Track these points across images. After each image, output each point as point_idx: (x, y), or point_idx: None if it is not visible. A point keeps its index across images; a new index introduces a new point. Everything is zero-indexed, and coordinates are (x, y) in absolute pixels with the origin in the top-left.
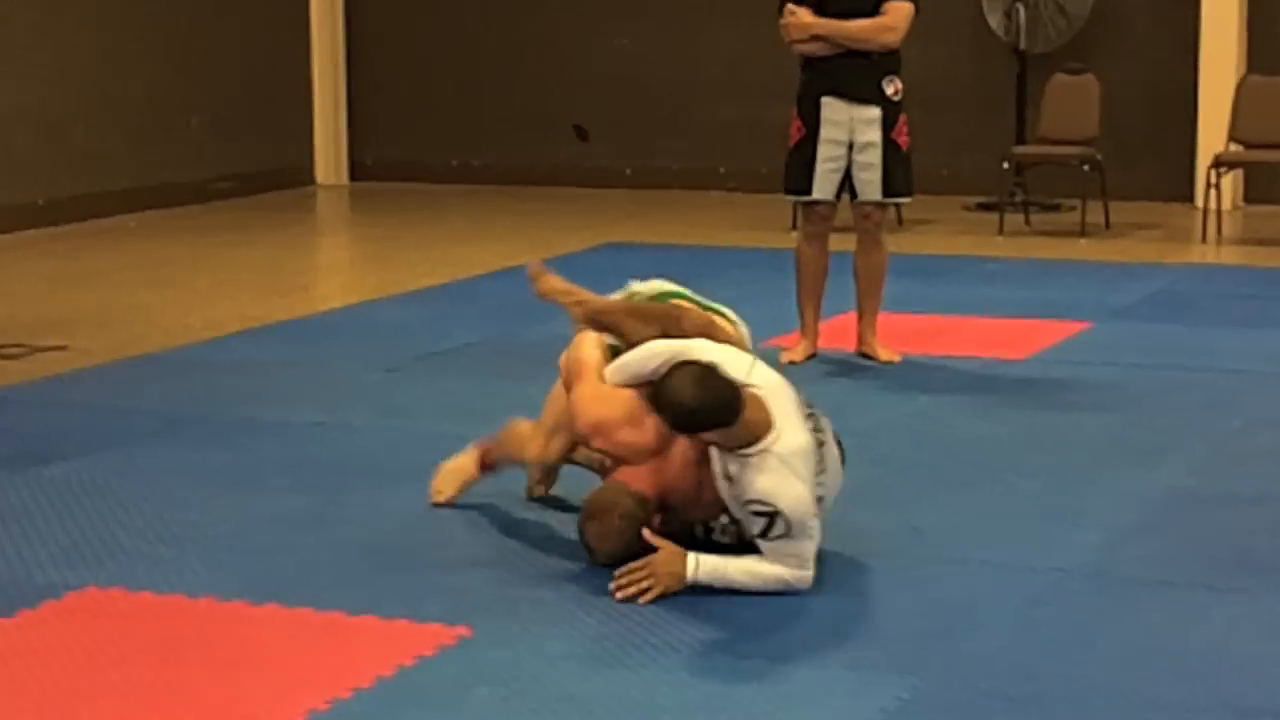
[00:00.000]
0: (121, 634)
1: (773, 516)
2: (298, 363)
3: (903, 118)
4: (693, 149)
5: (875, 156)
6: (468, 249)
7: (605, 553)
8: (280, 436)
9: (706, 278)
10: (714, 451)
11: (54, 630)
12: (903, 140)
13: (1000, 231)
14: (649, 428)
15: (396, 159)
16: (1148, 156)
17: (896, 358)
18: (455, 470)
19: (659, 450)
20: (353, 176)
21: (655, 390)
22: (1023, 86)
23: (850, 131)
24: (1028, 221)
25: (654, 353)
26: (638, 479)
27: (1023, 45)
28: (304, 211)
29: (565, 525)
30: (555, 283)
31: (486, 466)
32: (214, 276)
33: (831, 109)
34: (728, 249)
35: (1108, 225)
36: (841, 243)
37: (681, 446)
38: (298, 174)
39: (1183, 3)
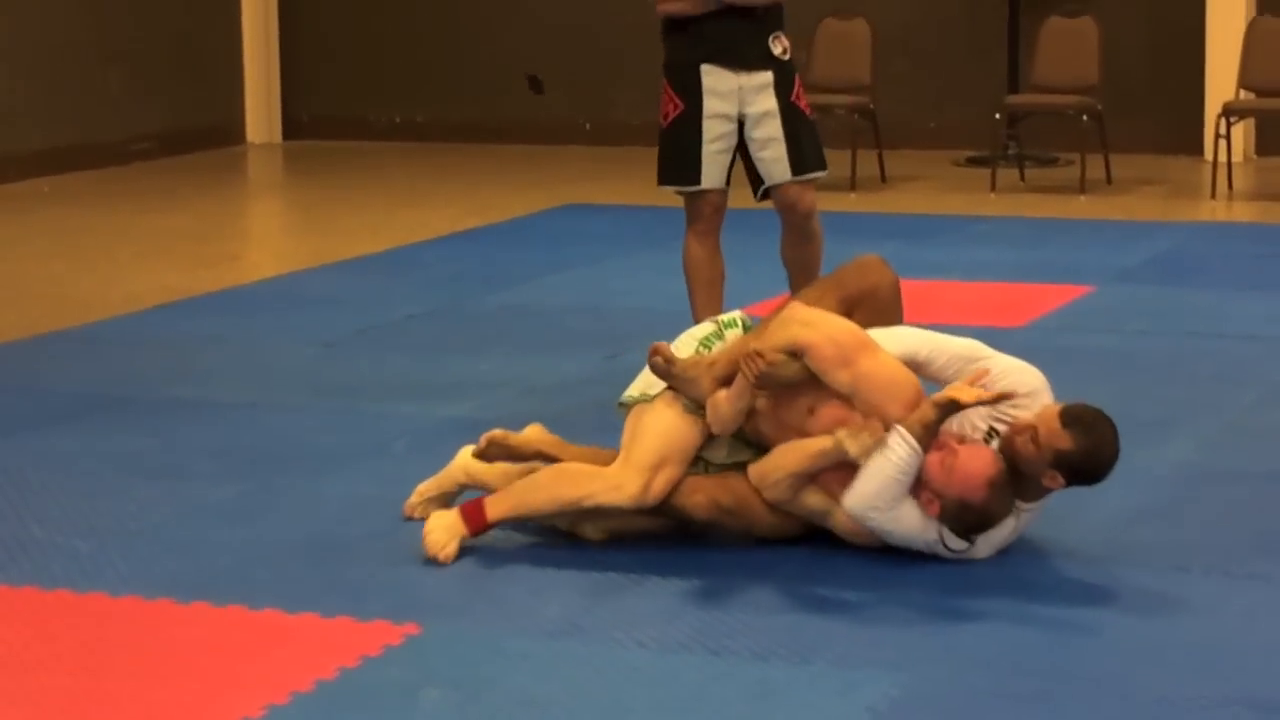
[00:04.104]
0: (35, 637)
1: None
2: (226, 338)
3: (798, 79)
4: (656, 101)
5: (775, 128)
6: (411, 213)
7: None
8: (208, 419)
9: (672, 242)
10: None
11: None
12: (804, 104)
13: (993, 188)
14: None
15: (334, 115)
16: (1151, 105)
17: None
18: (445, 529)
19: None
20: (286, 135)
21: (1079, 456)
22: (1015, 30)
23: (739, 103)
24: (1022, 177)
25: (943, 348)
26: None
27: None
28: (233, 173)
29: None
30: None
31: (485, 526)
32: (135, 245)
33: (715, 78)
34: None
35: (1109, 180)
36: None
37: None
38: (226, 132)
39: None
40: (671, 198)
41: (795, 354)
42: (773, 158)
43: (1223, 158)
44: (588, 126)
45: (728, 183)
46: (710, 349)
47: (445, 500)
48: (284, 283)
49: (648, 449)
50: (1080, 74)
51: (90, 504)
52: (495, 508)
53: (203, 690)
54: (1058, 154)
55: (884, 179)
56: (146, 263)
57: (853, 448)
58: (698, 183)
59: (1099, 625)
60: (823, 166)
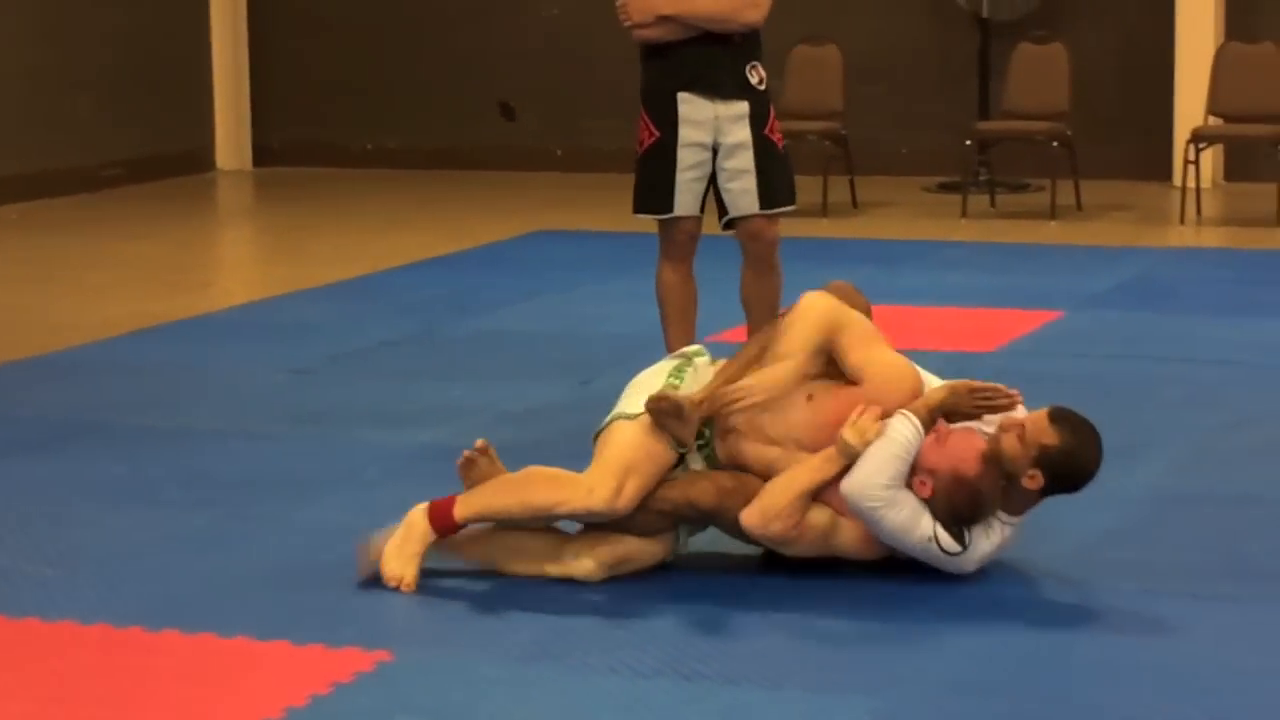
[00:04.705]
0: (3, 665)
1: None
2: (197, 365)
3: (773, 111)
4: (628, 128)
5: (747, 160)
6: (383, 240)
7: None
8: (179, 446)
9: (643, 269)
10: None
11: None
12: (778, 137)
13: (963, 214)
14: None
15: (305, 141)
16: (1121, 132)
17: None
18: (407, 541)
19: None
20: (257, 161)
21: (1062, 454)
22: (986, 57)
23: (715, 132)
24: (993, 203)
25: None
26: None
27: (986, 12)
28: (204, 200)
29: None
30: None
31: (452, 527)
32: (106, 272)
33: (691, 107)
34: None
35: (1079, 206)
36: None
37: None
38: (197, 159)
39: None
40: (643, 224)
41: (828, 337)
42: (741, 189)
43: (1192, 183)
44: (559, 153)
45: (702, 210)
46: (681, 380)
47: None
48: (256, 309)
49: (618, 456)
50: (1051, 100)
51: (60, 531)
52: (464, 507)
53: (174, 718)
54: (1028, 180)
55: (855, 205)
56: (117, 289)
57: (853, 436)
58: (671, 210)
59: (1070, 647)
60: (791, 201)
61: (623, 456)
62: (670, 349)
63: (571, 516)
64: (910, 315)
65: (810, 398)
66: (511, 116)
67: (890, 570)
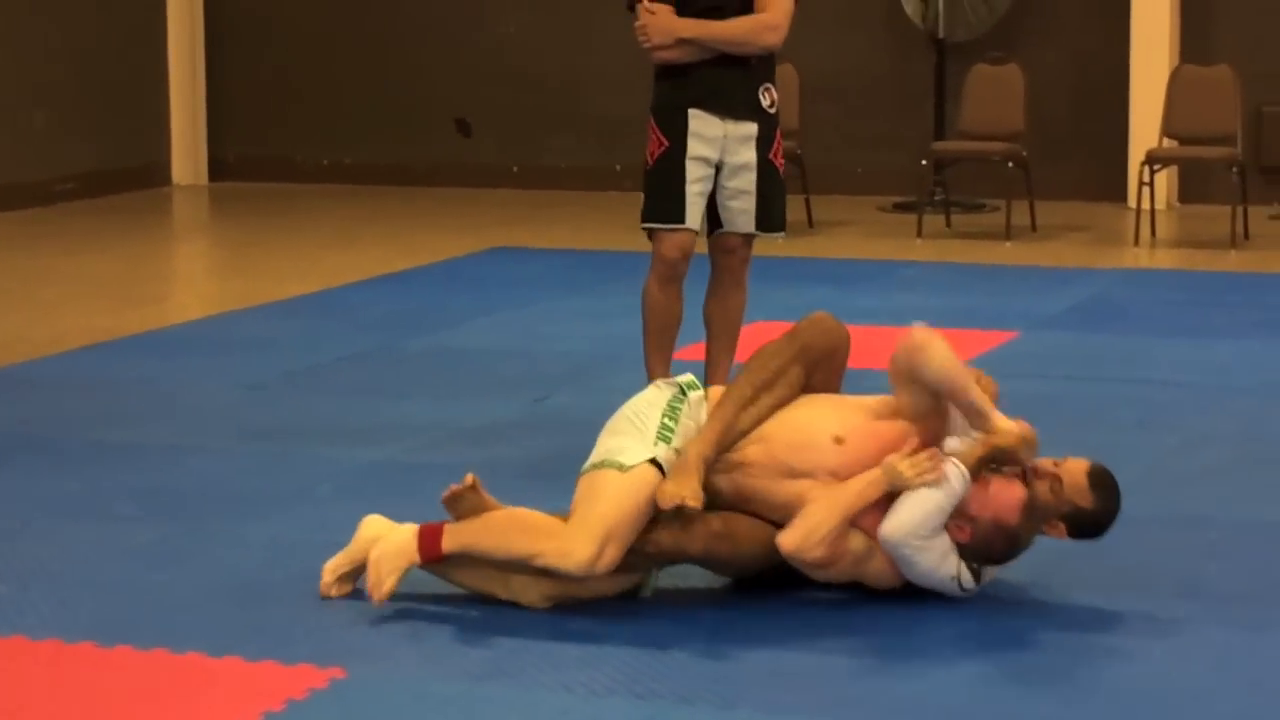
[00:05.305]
0: None
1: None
2: (151, 380)
3: (779, 134)
4: (584, 145)
5: (749, 181)
6: (339, 255)
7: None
8: (132, 461)
9: (601, 285)
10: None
11: None
12: (780, 162)
13: (919, 234)
14: None
15: (260, 156)
16: (1076, 153)
17: None
18: (397, 556)
19: None
20: (212, 176)
21: (1093, 518)
22: (942, 78)
23: (722, 150)
24: (948, 223)
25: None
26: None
27: (941, 33)
28: (159, 214)
29: None
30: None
31: (438, 557)
32: (59, 287)
33: (701, 123)
34: (623, 253)
35: (1034, 227)
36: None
37: None
38: (152, 173)
39: None
40: (602, 241)
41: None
42: (741, 209)
43: (1146, 205)
44: (516, 170)
45: (702, 228)
46: (676, 418)
47: (358, 573)
48: (211, 325)
49: (603, 518)
50: (1006, 121)
51: (12, 546)
52: (452, 540)
53: None
54: (984, 200)
55: (811, 224)
56: (71, 304)
57: (908, 470)
58: (682, 220)
59: (1024, 670)
60: (782, 228)
61: (608, 519)
62: (648, 367)
63: (546, 570)
64: (865, 335)
65: (839, 440)
66: (468, 133)
67: (845, 595)
